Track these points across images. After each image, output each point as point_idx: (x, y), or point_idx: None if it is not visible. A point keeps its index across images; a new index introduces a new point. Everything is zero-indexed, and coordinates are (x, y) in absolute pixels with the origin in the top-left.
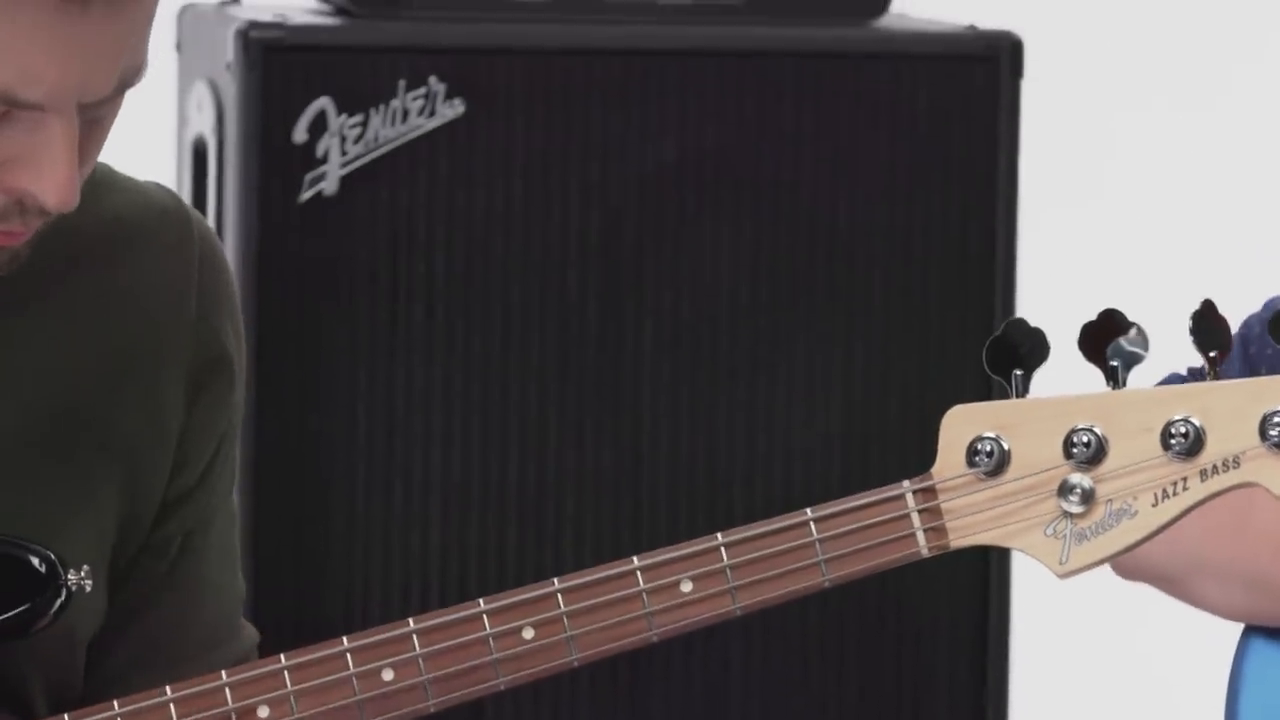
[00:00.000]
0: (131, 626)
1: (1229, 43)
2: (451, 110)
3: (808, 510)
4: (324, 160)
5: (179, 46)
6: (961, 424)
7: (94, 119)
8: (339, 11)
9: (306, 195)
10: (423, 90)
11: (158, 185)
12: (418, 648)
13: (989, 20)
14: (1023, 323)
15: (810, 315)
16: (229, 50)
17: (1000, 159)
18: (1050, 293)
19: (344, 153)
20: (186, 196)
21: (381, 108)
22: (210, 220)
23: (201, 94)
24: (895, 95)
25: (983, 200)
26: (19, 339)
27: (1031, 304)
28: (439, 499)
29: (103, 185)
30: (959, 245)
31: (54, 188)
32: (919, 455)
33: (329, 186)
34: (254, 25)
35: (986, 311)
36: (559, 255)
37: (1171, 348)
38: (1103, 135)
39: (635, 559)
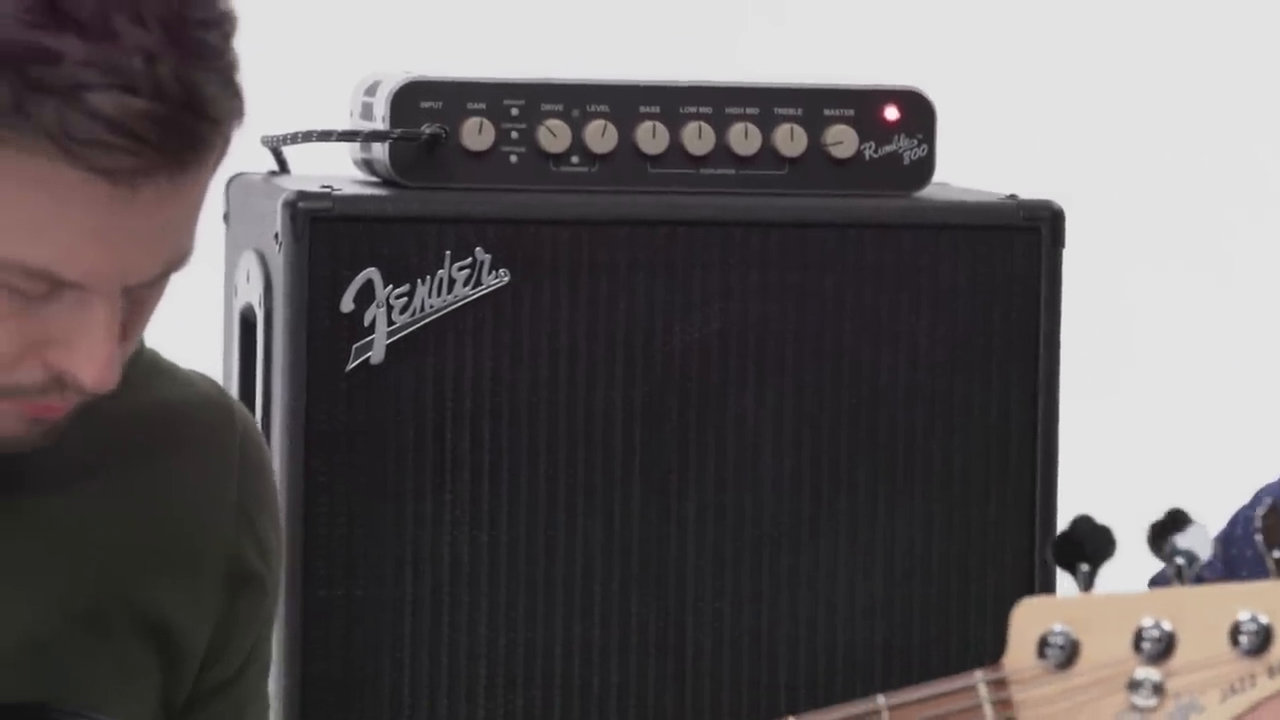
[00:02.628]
0: None
1: (1276, 211)
2: (496, 280)
3: (880, 697)
4: (371, 329)
5: (227, 217)
6: (1032, 616)
7: (138, 300)
8: (385, 182)
9: (353, 364)
10: (468, 260)
11: (203, 376)
12: None
13: (1030, 190)
14: (1089, 519)
15: (852, 485)
16: (277, 220)
17: (1042, 328)
18: (1092, 462)
19: (390, 322)
20: (234, 365)
21: (428, 278)
22: (258, 388)
23: (250, 263)
24: (937, 265)
25: (1024, 369)
26: (65, 518)
27: (1072, 472)
28: (485, 668)
29: (150, 372)
30: (1000, 414)
31: (93, 368)
32: (960, 624)
33: (375, 355)
34: (302, 196)
35: (1028, 480)
36: (603, 424)
37: (1216, 516)
38: (1143, 304)
39: None
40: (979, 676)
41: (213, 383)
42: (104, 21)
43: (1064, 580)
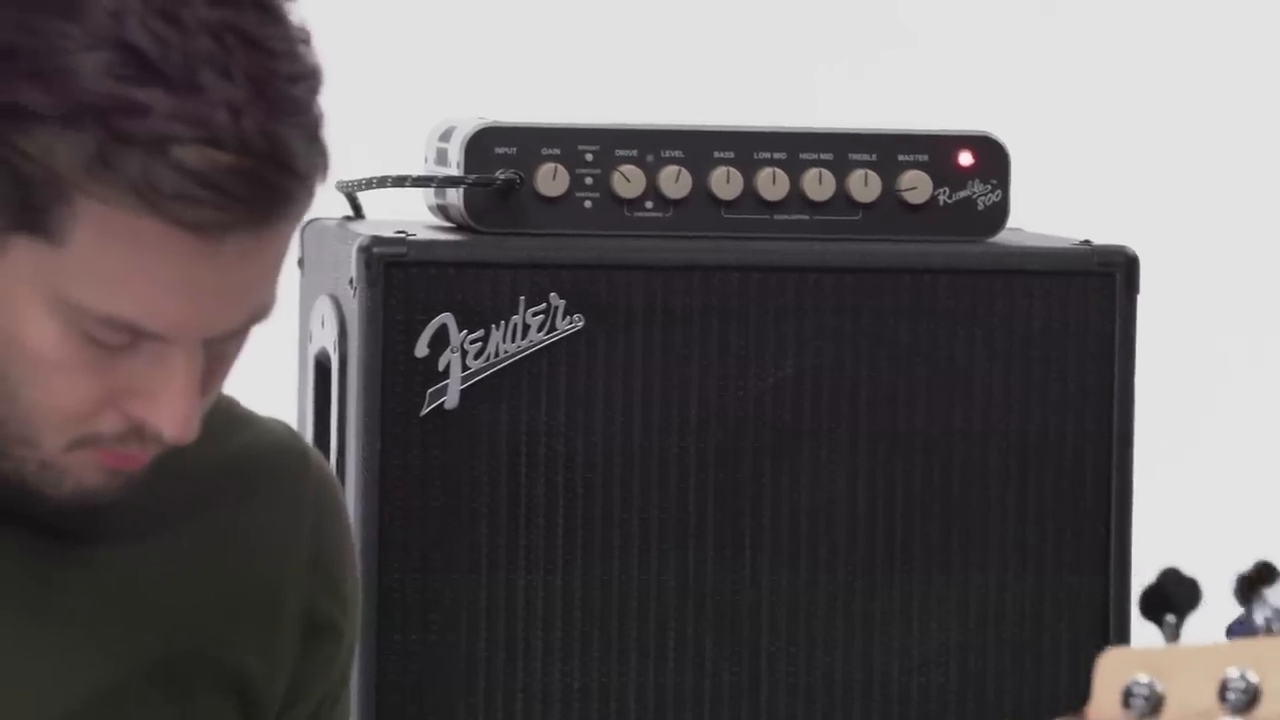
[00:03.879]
0: None
1: None
2: (570, 325)
3: None
4: (445, 374)
5: (301, 262)
6: (1116, 666)
7: (219, 353)
8: (460, 227)
9: (427, 409)
10: (542, 306)
11: (277, 422)
12: None
13: (1104, 235)
14: (1176, 572)
15: (925, 531)
16: (352, 266)
17: (1116, 374)
18: (1166, 509)
19: (465, 367)
20: (309, 411)
21: (502, 323)
22: (332, 434)
23: (325, 309)
24: (1011, 311)
25: (1098, 415)
26: (138, 570)
27: (1147, 519)
28: (559, 713)
29: (225, 419)
30: (1075, 461)
31: (172, 420)
32: (1034, 671)
33: (450, 400)
34: (376, 241)
35: (1102, 527)
36: (676, 470)
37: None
38: (1219, 350)
39: None
40: None
41: (287, 429)
42: (191, 75)
43: (1141, 628)
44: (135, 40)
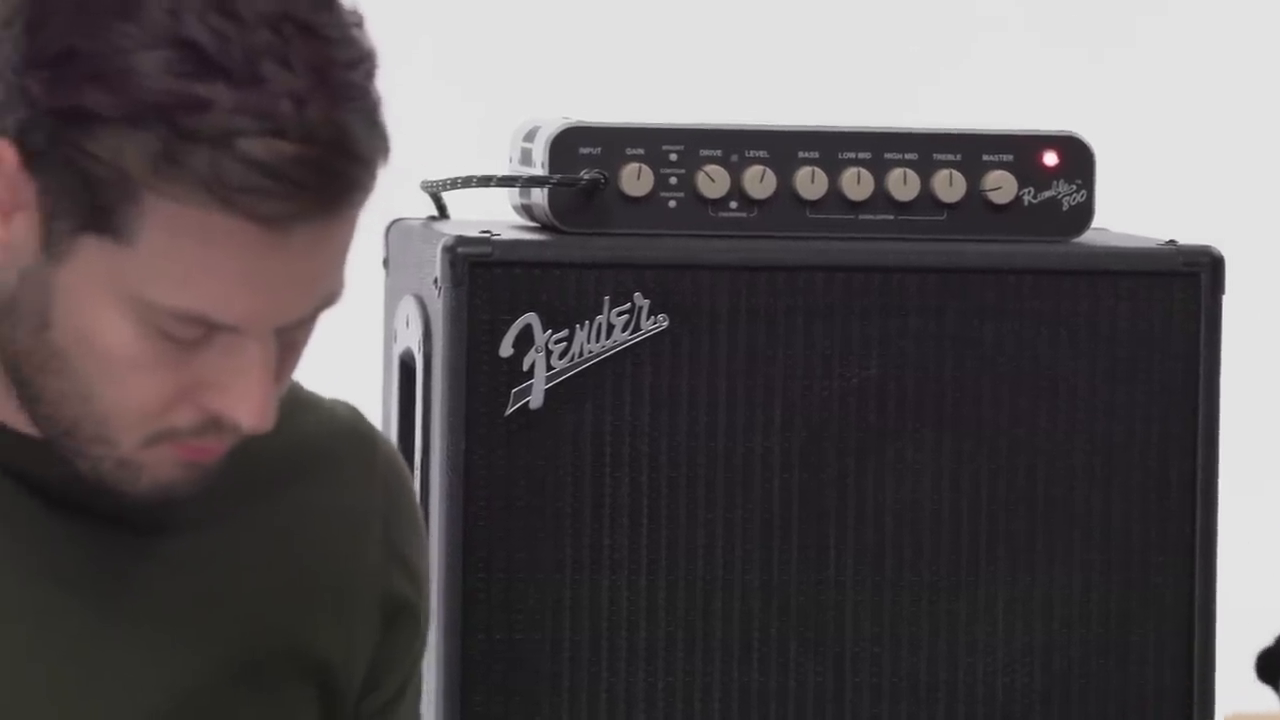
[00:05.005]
0: None
1: None
2: (655, 325)
3: None
4: (529, 374)
5: (386, 262)
6: None
7: (290, 340)
8: (544, 227)
9: (512, 409)
10: (627, 306)
11: (344, 404)
12: None
13: (1189, 235)
14: None
15: (1010, 531)
16: (436, 266)
17: (1201, 375)
18: (1251, 510)
19: (549, 367)
20: (394, 411)
21: (586, 323)
22: (417, 433)
23: (409, 309)
24: (1095, 311)
25: (1183, 416)
26: (212, 562)
27: (1231, 520)
28: (643, 713)
29: (291, 405)
30: (1160, 461)
31: (249, 410)
32: (1120, 671)
33: (534, 400)
34: (461, 241)
35: (1188, 527)
36: (761, 470)
37: None
38: None
39: None
40: None
41: (352, 410)
42: (252, 68)
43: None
44: (194, 36)
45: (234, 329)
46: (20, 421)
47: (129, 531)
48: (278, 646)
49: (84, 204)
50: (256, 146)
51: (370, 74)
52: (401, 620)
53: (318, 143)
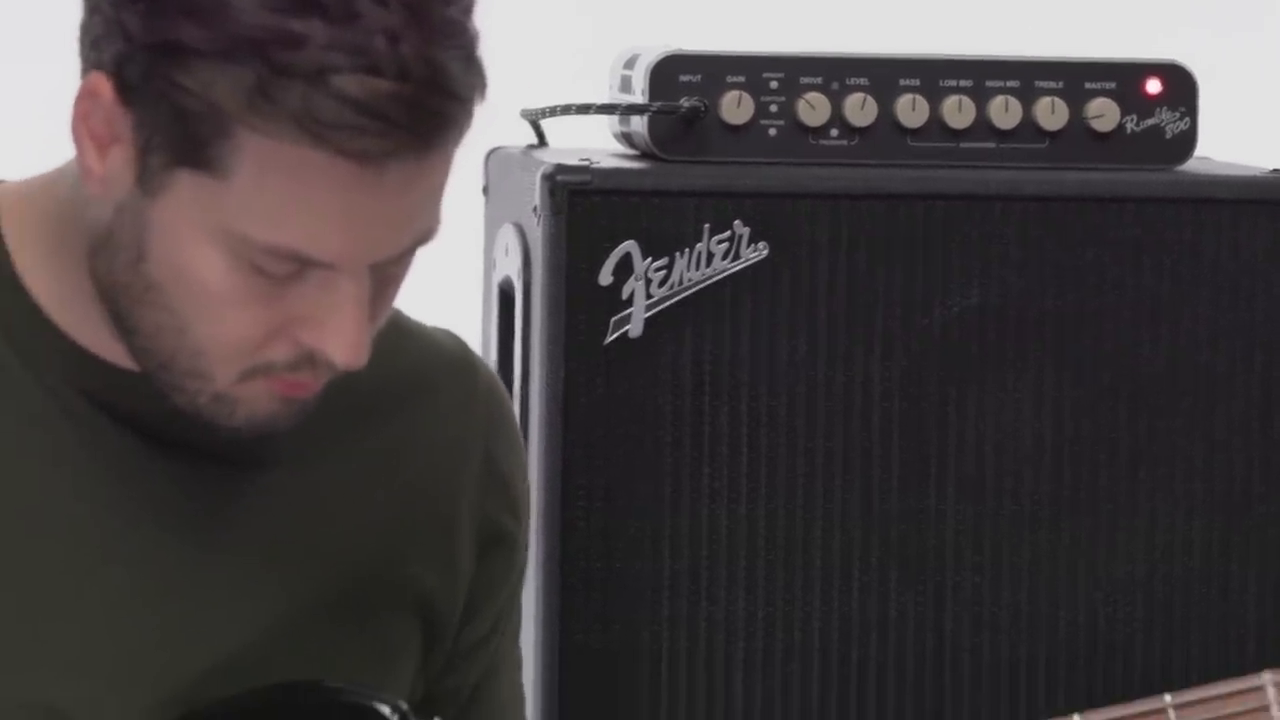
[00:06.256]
0: None
1: None
2: (755, 254)
3: (1166, 696)
4: (629, 303)
5: (486, 190)
6: None
7: (386, 276)
8: (644, 155)
9: (612, 337)
10: (727, 234)
11: (446, 333)
12: None
13: None
14: None
15: (1112, 461)
16: (536, 194)
17: None
18: None
19: (649, 295)
20: (493, 338)
21: (686, 251)
22: (516, 362)
23: (508, 237)
24: (1198, 239)
25: None
26: (314, 493)
27: None
28: (743, 642)
29: (392, 333)
30: (1263, 389)
31: (343, 346)
32: (1220, 601)
33: (634, 329)
34: (560, 169)
35: None
36: (861, 399)
37: None
38: None
39: None
40: (1267, 679)
41: (453, 337)
42: (347, 4)
43: None
44: None
45: (328, 265)
46: (118, 355)
47: (227, 466)
48: (378, 577)
49: (178, 138)
50: (350, 83)
51: (468, 9)
52: (499, 549)
53: (412, 80)
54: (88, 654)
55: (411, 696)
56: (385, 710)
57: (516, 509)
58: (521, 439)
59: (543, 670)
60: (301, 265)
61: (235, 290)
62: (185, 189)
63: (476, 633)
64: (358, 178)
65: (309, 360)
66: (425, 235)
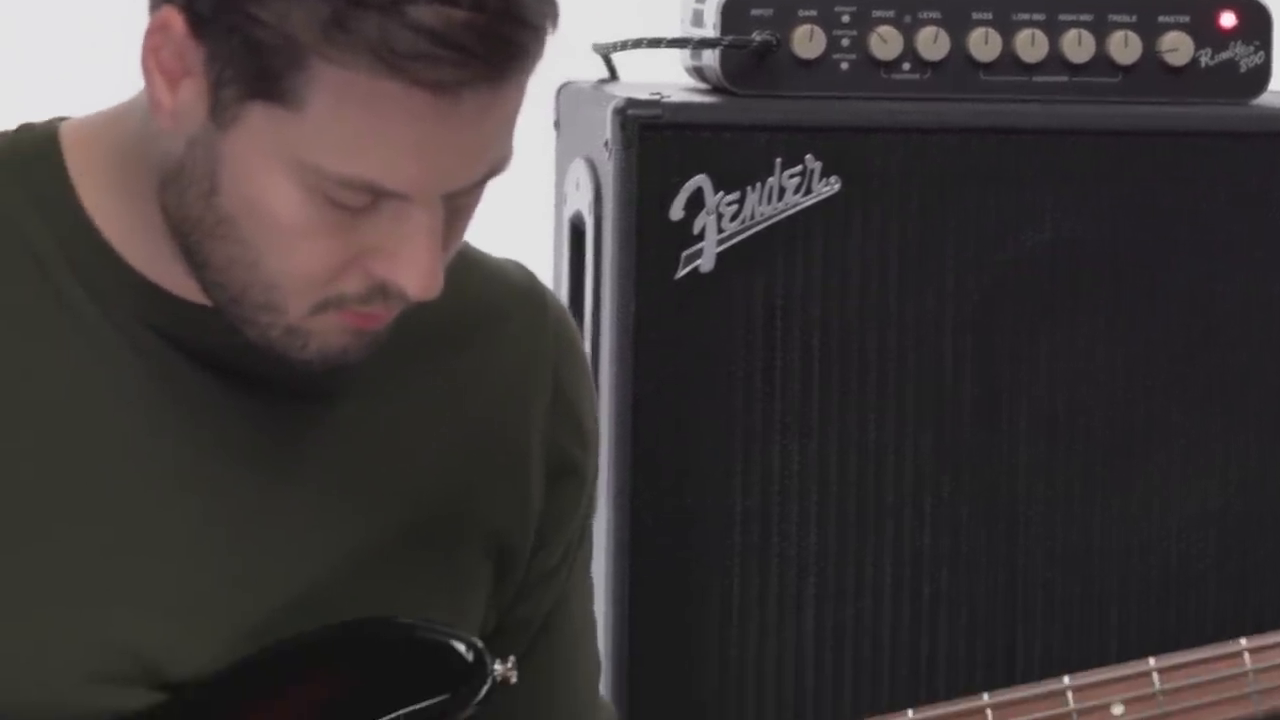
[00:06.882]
0: (497, 701)
1: None
2: (827, 188)
3: (1242, 640)
4: (700, 237)
5: (557, 124)
6: None
7: (458, 206)
8: (715, 90)
9: (683, 272)
10: (799, 168)
11: (514, 264)
12: None
13: None
14: None
15: (1185, 396)
16: (606, 128)
17: None
18: None
19: (720, 230)
20: (565, 272)
21: (758, 185)
22: (588, 296)
23: (579, 171)
24: (1271, 174)
25: None
26: (387, 426)
27: None
28: (814, 577)
29: (461, 265)
30: None
31: (416, 277)
32: None
33: (705, 263)
34: (631, 103)
35: None
36: (933, 334)
37: None
38: None
39: (1067, 678)
40: None
41: (523, 270)
42: None
43: None
44: None
45: (402, 196)
46: (188, 290)
47: (299, 400)
48: (449, 508)
49: (251, 70)
50: (425, 13)
51: None
52: (569, 479)
53: (486, 9)
54: (165, 590)
55: (483, 628)
56: (461, 648)
57: (585, 439)
58: (590, 371)
59: (613, 603)
60: (375, 196)
61: (308, 222)
62: (258, 121)
63: (547, 563)
64: (432, 107)
65: (381, 292)
66: (498, 165)
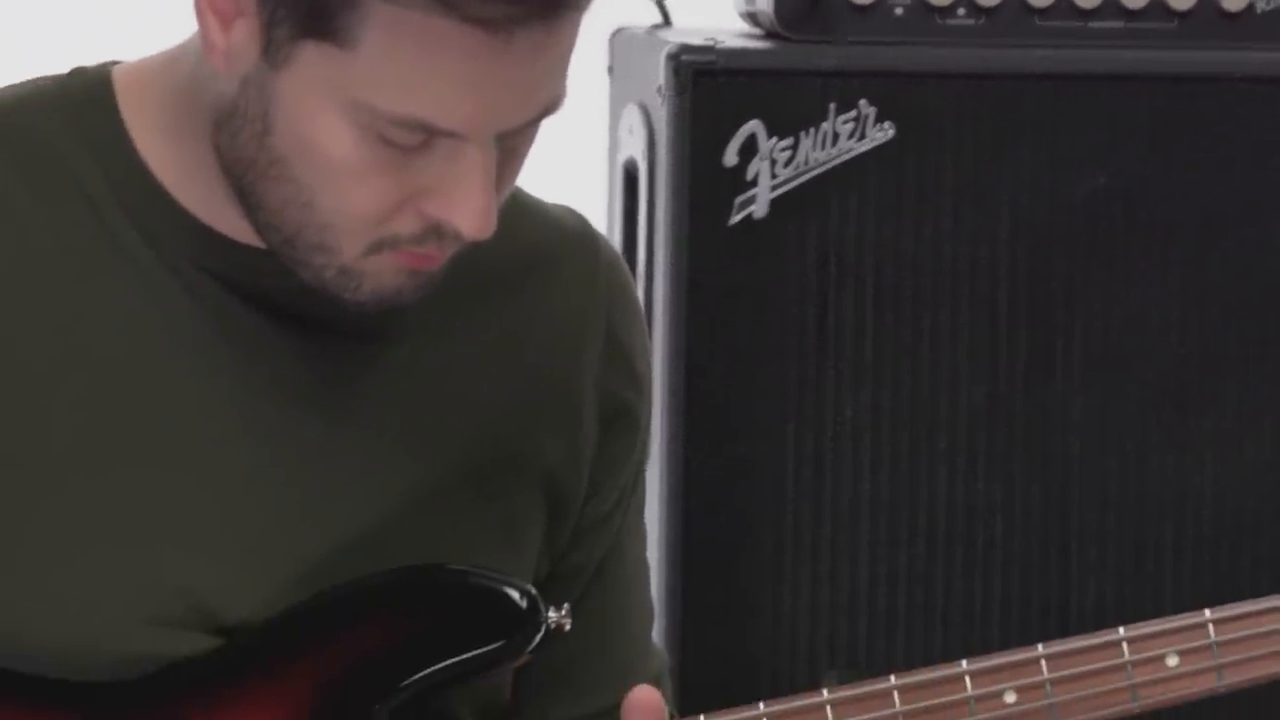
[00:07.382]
0: (549, 648)
1: None
2: (882, 134)
3: None
4: (754, 183)
5: (611, 70)
6: None
7: (511, 146)
8: (769, 35)
9: (736, 218)
10: (853, 114)
11: (566, 209)
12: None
13: None
14: None
15: (1240, 347)
16: (660, 74)
17: None
18: None
19: (774, 176)
20: (618, 219)
21: (811, 131)
22: (641, 242)
23: (633, 117)
24: None
25: None
26: (442, 368)
27: None
28: (867, 525)
29: (514, 211)
30: None
31: (470, 216)
32: None
33: (759, 210)
34: (685, 49)
35: None
36: (987, 281)
37: None
38: None
39: (1122, 629)
40: None
41: (576, 215)
42: None
43: None
44: None
45: (455, 135)
46: (242, 232)
47: (353, 341)
48: (503, 451)
49: (304, 10)
50: None
51: None
52: (622, 424)
53: None
54: (220, 534)
55: (536, 573)
56: (515, 595)
57: (639, 384)
58: (643, 316)
59: (667, 550)
60: (428, 135)
61: (362, 162)
62: (311, 60)
63: (600, 509)
64: (486, 45)
65: (435, 232)
66: (551, 105)
